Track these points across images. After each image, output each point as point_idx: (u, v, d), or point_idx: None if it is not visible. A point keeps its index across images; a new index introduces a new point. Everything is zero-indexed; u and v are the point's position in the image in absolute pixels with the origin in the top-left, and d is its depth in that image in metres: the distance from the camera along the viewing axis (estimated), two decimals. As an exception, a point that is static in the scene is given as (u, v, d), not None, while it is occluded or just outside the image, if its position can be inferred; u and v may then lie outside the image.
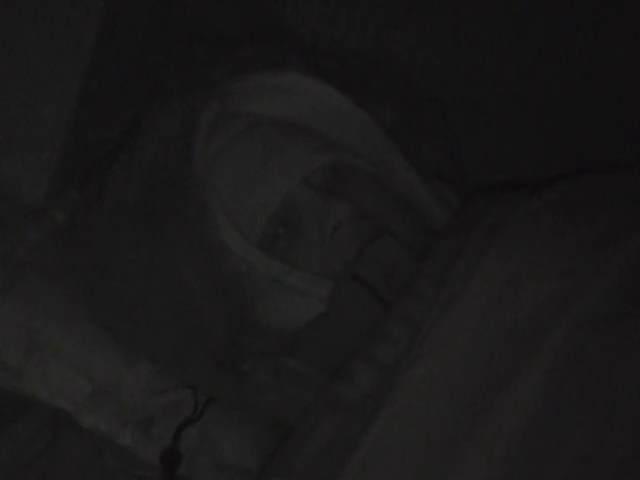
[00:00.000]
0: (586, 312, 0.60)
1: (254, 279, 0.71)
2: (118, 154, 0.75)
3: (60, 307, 0.77)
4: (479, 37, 0.78)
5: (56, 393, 0.75)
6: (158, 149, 0.73)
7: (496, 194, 0.70)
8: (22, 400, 0.76)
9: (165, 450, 0.74)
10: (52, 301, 0.77)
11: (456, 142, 0.80)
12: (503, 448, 0.57)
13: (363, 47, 0.80)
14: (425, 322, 0.63)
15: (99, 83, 0.80)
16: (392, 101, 0.78)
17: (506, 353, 0.60)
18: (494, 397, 0.59)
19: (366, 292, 0.69)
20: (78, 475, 0.75)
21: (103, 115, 0.80)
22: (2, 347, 0.75)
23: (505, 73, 0.79)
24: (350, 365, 0.64)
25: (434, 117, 0.79)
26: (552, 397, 0.58)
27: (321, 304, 0.70)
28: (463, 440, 0.58)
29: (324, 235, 0.71)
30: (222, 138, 0.74)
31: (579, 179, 0.69)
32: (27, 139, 0.79)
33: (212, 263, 0.72)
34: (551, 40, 0.77)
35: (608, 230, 0.63)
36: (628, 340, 0.58)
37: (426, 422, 0.60)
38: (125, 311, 0.73)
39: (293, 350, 0.72)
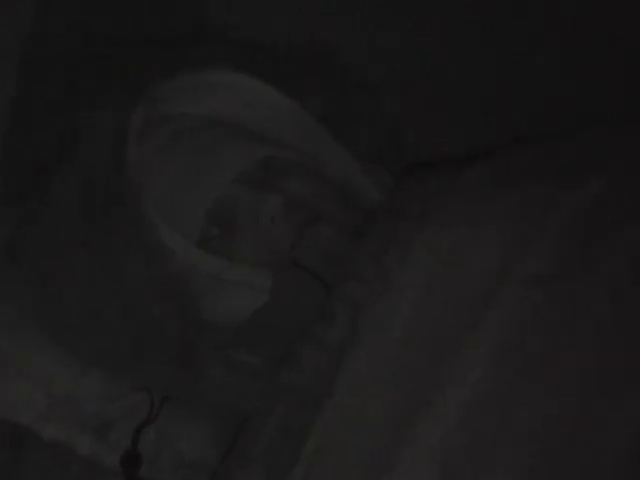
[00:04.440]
0: (525, 277, 0.60)
1: (196, 278, 0.72)
2: (56, 166, 0.75)
3: (10, 322, 0.77)
4: (410, 19, 0.79)
5: (13, 408, 0.75)
6: (95, 158, 0.74)
7: (428, 171, 0.71)
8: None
9: (124, 453, 0.74)
10: (2, 317, 0.77)
11: (392, 125, 0.80)
12: (453, 423, 0.58)
13: (294, 38, 0.80)
14: (366, 302, 0.64)
15: (29, 96, 0.80)
16: (325, 89, 0.79)
17: (449, 326, 0.61)
18: (440, 371, 0.59)
19: (307, 276, 0.70)
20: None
21: (38, 129, 0.80)
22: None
23: (439, 55, 0.80)
24: (296, 350, 0.66)
25: (368, 102, 0.80)
26: (498, 366, 0.58)
27: (265, 294, 0.71)
28: (413, 418, 0.59)
29: (261, 229, 0.72)
30: (155, 141, 0.75)
31: (510, 150, 0.70)
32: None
33: (154, 264, 0.72)
34: (483, 22, 0.78)
35: (542, 196, 0.64)
36: (569, 303, 0.59)
37: (373, 403, 0.61)
38: (75, 319, 0.73)
39: (241, 341, 0.72)
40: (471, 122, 0.77)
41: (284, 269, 0.71)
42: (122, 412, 0.75)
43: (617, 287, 0.59)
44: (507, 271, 0.61)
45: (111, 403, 0.75)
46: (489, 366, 0.59)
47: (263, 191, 0.72)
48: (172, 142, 0.75)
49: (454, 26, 0.76)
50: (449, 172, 0.69)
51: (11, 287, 0.77)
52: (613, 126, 0.70)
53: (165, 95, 0.76)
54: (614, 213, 0.62)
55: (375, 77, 0.78)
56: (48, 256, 0.74)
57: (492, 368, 0.58)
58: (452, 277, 0.63)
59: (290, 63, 0.79)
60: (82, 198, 0.73)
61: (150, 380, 0.75)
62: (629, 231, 0.60)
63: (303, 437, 0.61)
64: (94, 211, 0.73)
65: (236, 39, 0.79)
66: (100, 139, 0.74)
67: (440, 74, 0.78)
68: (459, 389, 0.58)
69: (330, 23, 0.78)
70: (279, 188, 0.73)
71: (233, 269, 0.71)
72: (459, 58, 0.77)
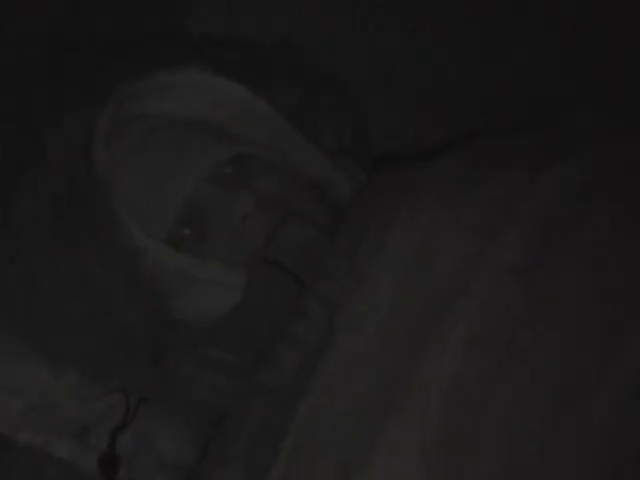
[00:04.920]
0: (498, 265, 0.59)
1: (166, 277, 0.71)
2: (24, 171, 0.74)
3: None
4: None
5: None
6: (64, 162, 0.73)
7: (398, 164, 0.71)
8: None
9: (102, 456, 0.70)
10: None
11: (360, 119, 0.80)
12: (434, 413, 0.56)
13: (264, 35, 0.81)
14: (340, 300, 0.63)
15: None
16: (293, 85, 0.79)
17: (425, 318, 0.59)
18: (416, 365, 0.58)
19: (280, 274, 0.69)
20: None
21: (7, 137, 0.79)
22: None
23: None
24: (273, 349, 0.64)
25: (337, 97, 0.80)
26: (475, 354, 0.57)
27: (238, 292, 0.70)
28: (391, 412, 0.57)
29: (232, 228, 0.71)
30: (125, 141, 0.75)
31: (479, 141, 0.70)
32: None
33: (125, 265, 0.71)
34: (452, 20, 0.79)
35: (513, 184, 0.63)
36: (540, 291, 0.58)
37: (349, 401, 0.60)
38: (47, 323, 0.72)
39: (215, 339, 0.71)
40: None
41: (257, 267, 0.70)
42: (99, 415, 0.72)
43: (600, 271, 0.58)
44: (481, 259, 0.60)
45: (87, 407, 0.72)
46: (467, 355, 0.57)
47: (235, 190, 0.72)
48: (142, 141, 0.75)
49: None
50: (420, 165, 0.69)
51: None
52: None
53: (135, 94, 0.76)
54: (585, 196, 0.61)
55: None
56: (20, 259, 0.72)
57: (471, 358, 0.57)
58: (425, 269, 0.62)
59: (267, 63, 0.80)
60: (53, 202, 0.72)
61: (125, 381, 0.72)
62: (598, 215, 0.60)
63: (283, 435, 0.60)
64: (66, 215, 0.72)
65: (210, 38, 0.80)
66: (68, 144, 0.74)
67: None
68: (435, 380, 0.57)
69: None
70: (251, 186, 0.72)
71: (205, 267, 0.70)
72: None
